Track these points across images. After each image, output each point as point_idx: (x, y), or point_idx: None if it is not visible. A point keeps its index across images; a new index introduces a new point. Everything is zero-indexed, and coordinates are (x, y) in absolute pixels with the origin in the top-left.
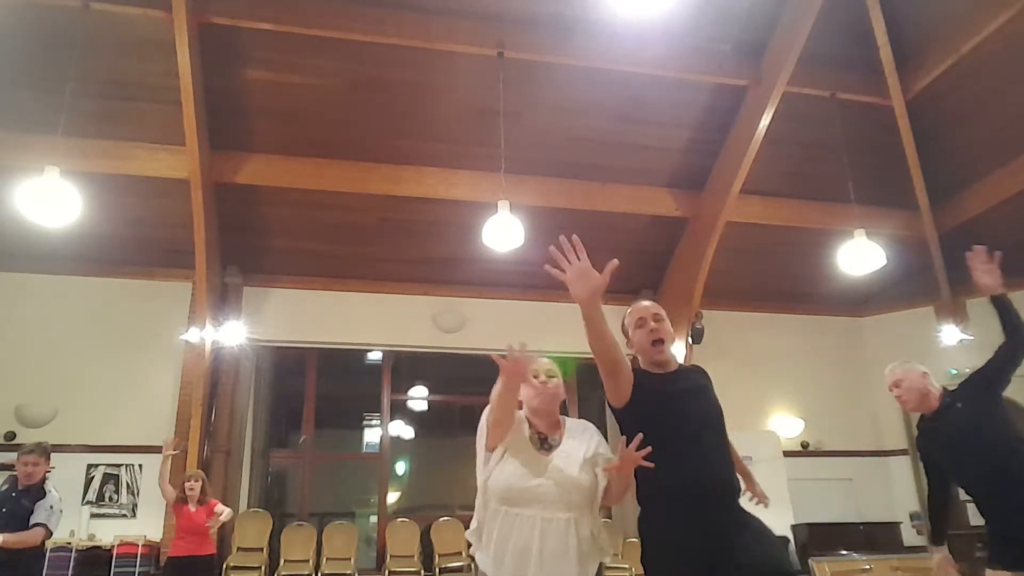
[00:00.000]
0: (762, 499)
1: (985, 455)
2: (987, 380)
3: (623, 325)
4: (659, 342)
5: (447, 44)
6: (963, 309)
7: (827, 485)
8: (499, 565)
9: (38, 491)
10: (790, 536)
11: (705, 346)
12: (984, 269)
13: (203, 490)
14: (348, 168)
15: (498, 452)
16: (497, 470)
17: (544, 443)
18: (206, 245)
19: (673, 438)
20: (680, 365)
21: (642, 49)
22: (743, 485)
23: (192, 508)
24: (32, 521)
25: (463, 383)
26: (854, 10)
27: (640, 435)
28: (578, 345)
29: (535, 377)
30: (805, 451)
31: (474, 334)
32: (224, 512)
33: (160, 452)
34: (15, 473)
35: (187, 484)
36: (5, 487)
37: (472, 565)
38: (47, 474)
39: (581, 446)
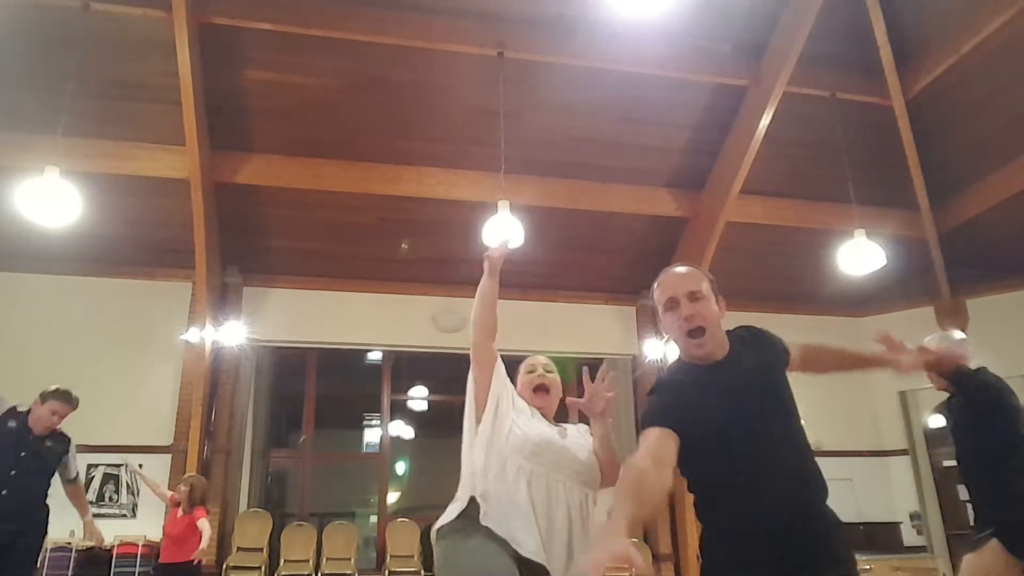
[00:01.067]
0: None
1: (966, 461)
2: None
3: (653, 300)
4: (697, 332)
5: (447, 44)
6: (963, 309)
7: None
8: (529, 519)
9: (62, 436)
10: None
11: None
12: (902, 354)
13: (191, 497)
14: (348, 168)
15: (490, 408)
16: (523, 424)
17: None
18: (206, 245)
19: (725, 458)
20: (732, 344)
21: (642, 49)
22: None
23: (179, 513)
24: (72, 473)
25: (463, 383)
26: (854, 10)
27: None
28: (578, 345)
29: (532, 372)
30: None
31: None
32: (204, 533)
33: (161, 453)
34: (17, 408)
35: (179, 487)
36: (12, 424)
37: None
38: None
39: (579, 433)
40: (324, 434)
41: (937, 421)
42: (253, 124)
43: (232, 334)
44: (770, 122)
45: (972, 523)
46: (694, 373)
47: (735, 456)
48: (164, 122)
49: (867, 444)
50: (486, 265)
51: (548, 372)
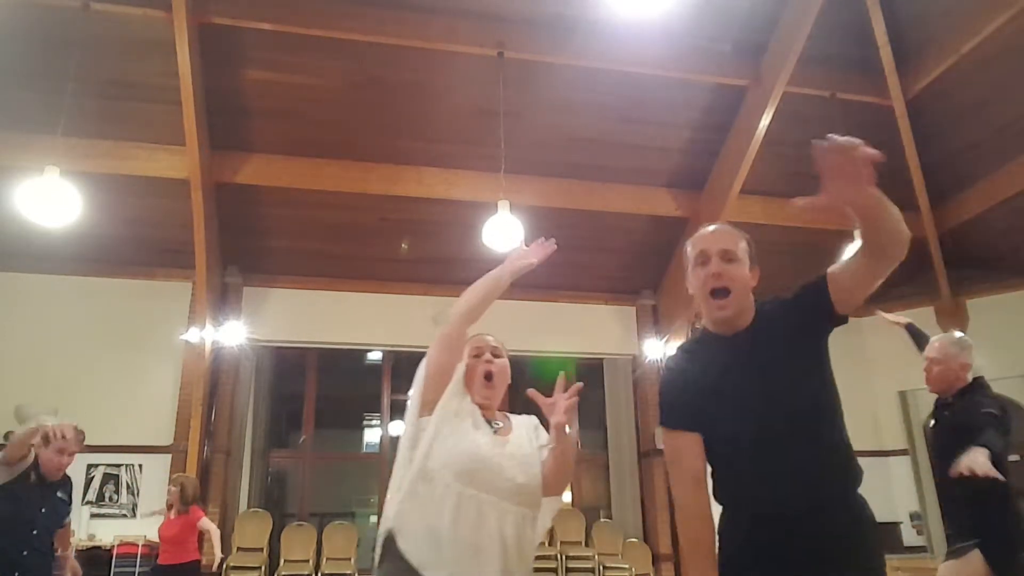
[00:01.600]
0: None
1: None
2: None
3: (685, 256)
4: (721, 293)
5: (447, 44)
6: (963, 309)
7: None
8: (452, 553)
9: (69, 482)
10: None
11: None
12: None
13: (183, 497)
14: (348, 168)
15: (435, 419)
16: (462, 433)
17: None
18: (206, 245)
19: (722, 449)
20: (758, 311)
21: (642, 49)
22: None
23: (172, 515)
24: (70, 517)
25: None
26: (854, 10)
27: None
28: (578, 345)
29: (478, 356)
30: None
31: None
32: (214, 536)
33: (161, 453)
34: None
35: (169, 488)
36: (33, 476)
37: None
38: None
39: (526, 436)
40: (324, 434)
41: None
42: (253, 124)
43: (232, 334)
44: (770, 122)
45: (948, 528)
46: (705, 353)
47: (734, 446)
48: (164, 122)
49: (867, 444)
50: (509, 268)
51: (496, 357)
